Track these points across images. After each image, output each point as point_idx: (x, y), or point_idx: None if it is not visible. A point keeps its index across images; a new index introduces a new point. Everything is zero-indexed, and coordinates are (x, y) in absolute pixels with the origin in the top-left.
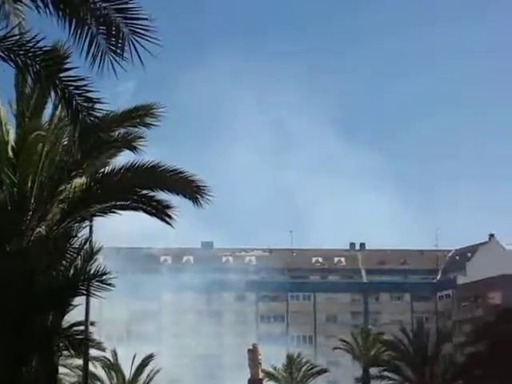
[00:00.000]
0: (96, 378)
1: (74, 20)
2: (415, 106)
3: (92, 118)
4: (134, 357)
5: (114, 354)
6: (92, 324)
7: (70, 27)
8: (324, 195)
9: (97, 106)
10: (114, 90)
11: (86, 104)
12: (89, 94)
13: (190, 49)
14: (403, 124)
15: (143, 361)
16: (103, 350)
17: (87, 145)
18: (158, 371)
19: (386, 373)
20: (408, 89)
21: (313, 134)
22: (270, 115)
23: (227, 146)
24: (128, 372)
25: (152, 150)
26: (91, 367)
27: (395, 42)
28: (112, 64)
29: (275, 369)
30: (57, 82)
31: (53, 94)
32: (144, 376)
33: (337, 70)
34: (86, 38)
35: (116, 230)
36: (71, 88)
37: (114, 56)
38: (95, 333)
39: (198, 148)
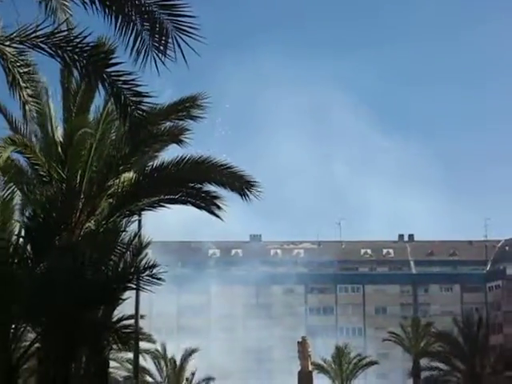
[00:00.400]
0: (146, 371)
1: (120, 16)
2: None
3: (140, 112)
4: (188, 351)
5: (163, 347)
6: (142, 317)
7: (116, 23)
8: (372, 187)
9: (145, 100)
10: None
11: (134, 98)
12: (137, 89)
13: (229, 44)
14: (451, 115)
15: (191, 353)
16: (153, 342)
17: (135, 139)
18: (206, 364)
19: (436, 363)
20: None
21: (357, 125)
22: (312, 106)
23: (270, 138)
24: (177, 364)
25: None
26: (141, 361)
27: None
28: (155, 60)
29: (325, 361)
30: (104, 76)
31: (101, 89)
32: (192, 368)
33: (375, 61)
34: (130, 34)
35: (164, 224)
36: (119, 83)
37: (158, 53)
38: (145, 326)
39: (241, 142)
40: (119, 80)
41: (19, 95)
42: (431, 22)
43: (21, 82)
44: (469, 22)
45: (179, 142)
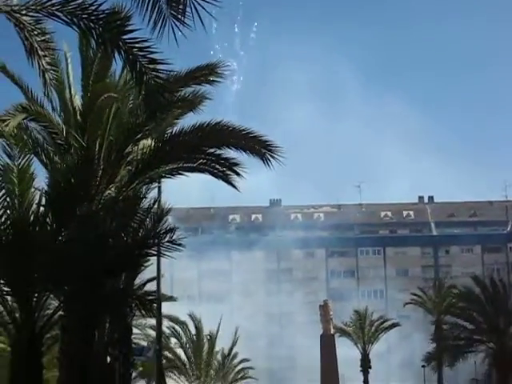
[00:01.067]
0: (171, 335)
1: None
2: (478, 56)
3: (156, 80)
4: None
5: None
6: (162, 276)
7: None
8: (391, 150)
9: (161, 67)
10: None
11: (150, 65)
12: (153, 56)
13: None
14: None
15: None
16: (175, 300)
17: (152, 106)
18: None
19: (459, 321)
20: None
21: (370, 90)
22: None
23: (285, 106)
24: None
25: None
26: (165, 327)
27: None
28: (173, 29)
29: (346, 324)
30: (120, 44)
31: (117, 56)
32: (214, 332)
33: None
34: (148, 2)
35: (184, 190)
36: (135, 50)
37: (175, 21)
38: (167, 292)
39: (255, 110)
40: (135, 47)
41: (38, 64)
42: None
43: (39, 51)
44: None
45: (197, 108)
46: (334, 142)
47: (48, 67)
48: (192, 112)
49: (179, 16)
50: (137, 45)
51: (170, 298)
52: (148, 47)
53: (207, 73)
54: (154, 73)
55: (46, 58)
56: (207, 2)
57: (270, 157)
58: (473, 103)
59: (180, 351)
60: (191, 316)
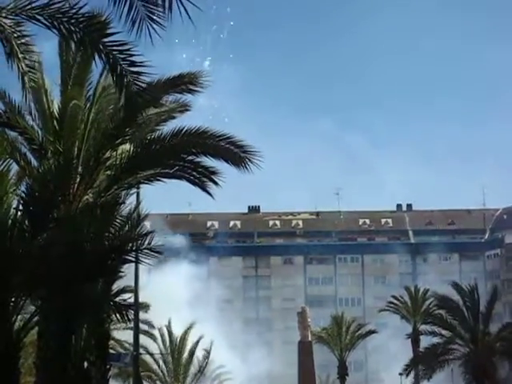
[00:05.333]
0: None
1: None
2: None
3: (137, 82)
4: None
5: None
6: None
7: None
8: (368, 157)
9: (141, 69)
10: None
11: (130, 68)
12: (133, 58)
13: None
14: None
15: (189, 328)
16: (148, 308)
17: (132, 110)
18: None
19: (436, 329)
20: None
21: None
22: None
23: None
24: (176, 337)
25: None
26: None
27: None
28: (149, 31)
29: (323, 331)
30: (101, 47)
31: (97, 60)
32: (193, 340)
33: None
34: (124, 4)
35: (162, 196)
36: (115, 52)
37: (151, 23)
38: (144, 298)
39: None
40: (115, 50)
41: (17, 66)
42: None
43: (19, 54)
44: None
45: (177, 117)
46: (310, 148)
47: (27, 69)
48: (173, 120)
49: (156, 18)
50: (117, 48)
51: (146, 306)
52: (128, 50)
53: (187, 81)
54: (135, 75)
55: (26, 61)
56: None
57: (248, 161)
58: (450, 111)
59: (158, 357)
60: (168, 323)
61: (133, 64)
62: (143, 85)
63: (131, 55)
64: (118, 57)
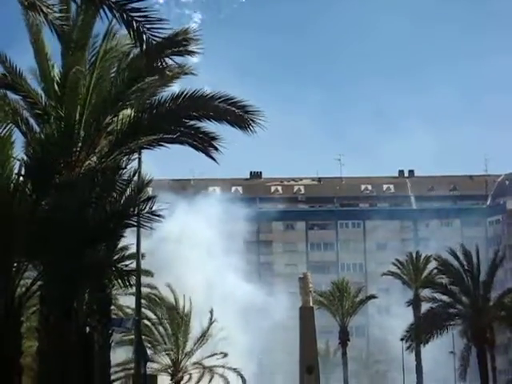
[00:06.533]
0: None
1: None
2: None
3: (156, 38)
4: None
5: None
6: (142, 257)
7: None
8: (371, 123)
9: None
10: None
11: (147, 25)
12: (148, 13)
13: None
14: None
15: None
16: (152, 276)
17: (134, 75)
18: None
19: (437, 295)
20: None
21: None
22: None
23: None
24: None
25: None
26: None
27: None
28: None
29: (325, 296)
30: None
31: (99, 25)
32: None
33: None
34: None
35: (164, 161)
36: (128, 10)
37: None
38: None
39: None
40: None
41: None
42: None
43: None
44: None
45: (179, 80)
46: (313, 114)
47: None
48: (174, 83)
49: None
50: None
51: (148, 273)
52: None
53: (182, 40)
54: (151, 32)
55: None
56: None
57: (251, 121)
58: (452, 79)
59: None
60: (169, 287)
61: (148, 20)
62: (160, 39)
63: (146, 11)
64: (132, 14)
